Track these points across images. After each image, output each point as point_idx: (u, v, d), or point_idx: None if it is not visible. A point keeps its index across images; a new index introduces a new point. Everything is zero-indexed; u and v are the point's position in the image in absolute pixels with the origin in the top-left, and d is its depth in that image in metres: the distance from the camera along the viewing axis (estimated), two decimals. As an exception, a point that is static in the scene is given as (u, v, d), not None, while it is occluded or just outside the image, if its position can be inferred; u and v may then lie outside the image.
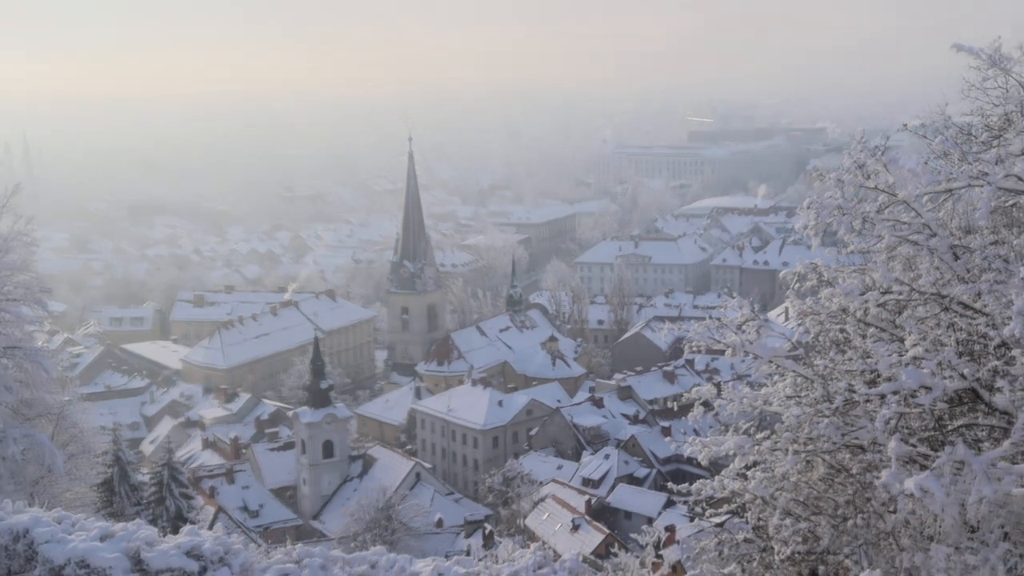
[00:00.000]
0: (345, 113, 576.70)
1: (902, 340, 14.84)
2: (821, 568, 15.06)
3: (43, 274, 42.33)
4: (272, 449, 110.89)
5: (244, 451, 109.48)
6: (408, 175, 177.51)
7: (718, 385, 17.88)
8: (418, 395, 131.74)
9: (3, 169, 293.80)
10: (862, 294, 15.44)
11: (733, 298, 18.00)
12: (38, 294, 38.95)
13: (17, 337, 37.76)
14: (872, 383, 14.98)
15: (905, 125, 16.67)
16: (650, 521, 74.91)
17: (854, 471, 15.60)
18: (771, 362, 16.77)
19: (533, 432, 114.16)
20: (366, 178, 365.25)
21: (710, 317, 17.42)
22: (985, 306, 14.14)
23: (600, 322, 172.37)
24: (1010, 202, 14.88)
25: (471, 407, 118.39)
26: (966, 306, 14.45)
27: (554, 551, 17.46)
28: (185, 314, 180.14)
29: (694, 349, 17.79)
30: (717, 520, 17.62)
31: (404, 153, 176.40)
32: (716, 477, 17.30)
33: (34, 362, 38.20)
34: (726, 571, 17.16)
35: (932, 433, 14.71)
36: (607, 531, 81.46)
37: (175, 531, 19.55)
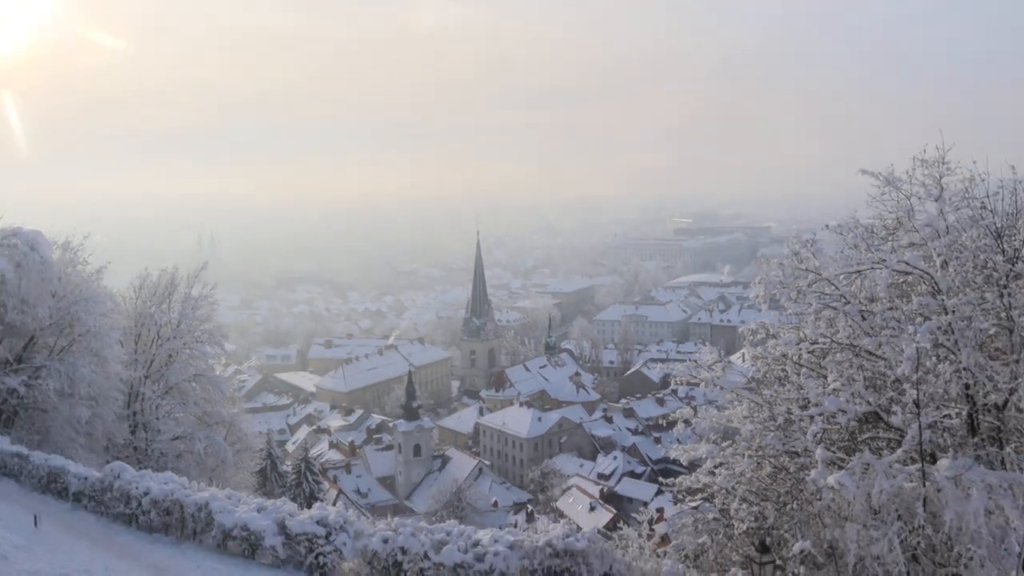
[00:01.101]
0: (434, 213, 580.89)
1: (825, 377, 14.83)
2: (767, 539, 14.90)
3: (220, 324, 42.84)
4: (378, 449, 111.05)
5: (358, 451, 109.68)
6: (476, 257, 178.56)
7: (695, 408, 17.87)
8: (481, 413, 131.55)
9: (197, 253, 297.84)
10: (797, 344, 15.47)
11: (705, 346, 18.03)
12: (217, 338, 39.61)
13: (202, 367, 38.35)
14: (804, 407, 14.96)
15: (827, 225, 16.71)
16: (646, 505, 74.17)
17: (792, 470, 15.51)
18: (732, 392, 16.77)
19: (563, 440, 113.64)
20: (447, 259, 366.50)
21: (689, 360, 17.45)
22: (884, 353, 14.12)
23: (611, 362, 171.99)
24: (901, 280, 14.93)
25: (519, 422, 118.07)
26: (871, 353, 14.42)
27: (577, 525, 17.21)
28: (318, 353, 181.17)
29: (678, 382, 17.87)
30: (693, 504, 17.50)
31: (474, 242, 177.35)
32: (693, 473, 17.23)
33: (214, 385, 38.74)
34: (699, 541, 17.04)
35: (847, 443, 14.63)
36: (615, 511, 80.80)
37: (309, 506, 19.63)
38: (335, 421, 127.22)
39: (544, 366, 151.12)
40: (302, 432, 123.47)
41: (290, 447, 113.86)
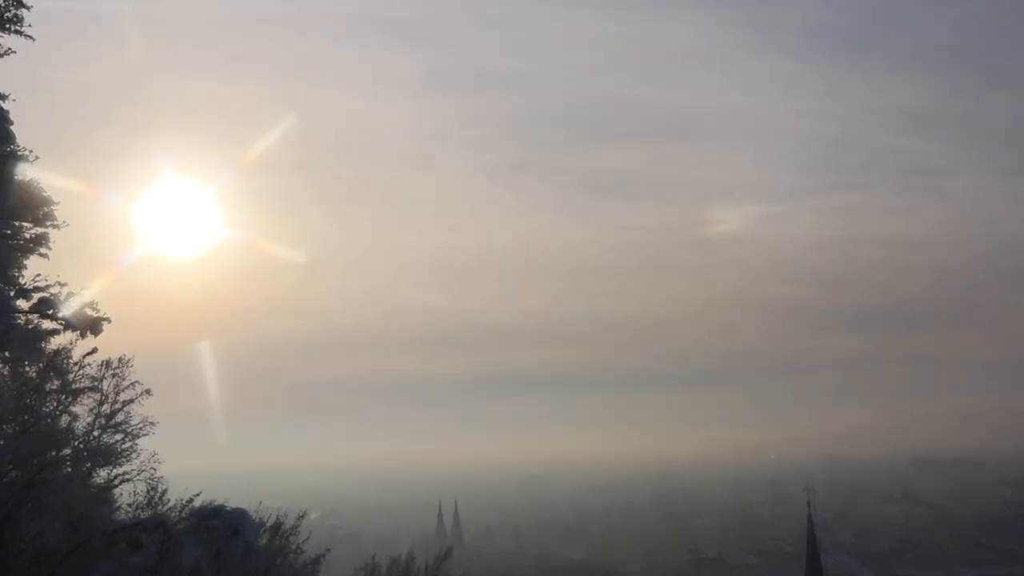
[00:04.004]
0: (743, 477, 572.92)
1: None
2: None
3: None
4: None
5: None
6: (808, 538, 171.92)
7: None
8: None
9: (436, 534, 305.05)
10: None
11: None
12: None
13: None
14: None
15: None
16: None
17: None
18: None
19: None
20: (766, 540, 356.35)
21: None
22: None
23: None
24: None
25: None
26: None
27: None
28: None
29: None
30: None
31: (803, 517, 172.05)
32: None
33: None
34: None
35: None
36: None
37: None
38: None
39: None
40: None
41: None
